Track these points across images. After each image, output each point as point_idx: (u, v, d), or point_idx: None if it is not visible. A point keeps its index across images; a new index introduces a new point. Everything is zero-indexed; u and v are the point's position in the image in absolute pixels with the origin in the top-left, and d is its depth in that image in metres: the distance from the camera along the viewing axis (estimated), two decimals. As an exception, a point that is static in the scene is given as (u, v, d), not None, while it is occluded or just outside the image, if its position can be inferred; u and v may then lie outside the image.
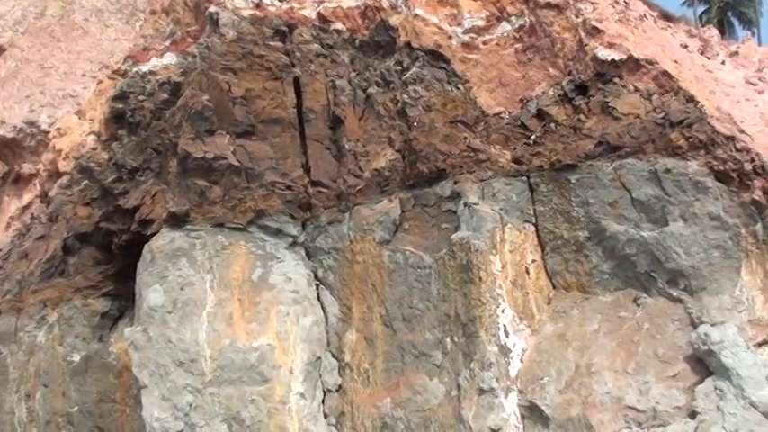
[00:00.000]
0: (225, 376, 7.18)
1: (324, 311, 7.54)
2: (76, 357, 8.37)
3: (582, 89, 6.68)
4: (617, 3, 7.24)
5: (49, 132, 11.23)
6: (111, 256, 8.48)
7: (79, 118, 9.66)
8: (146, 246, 7.71)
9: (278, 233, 7.65)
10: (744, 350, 5.72)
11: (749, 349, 5.73)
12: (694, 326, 6.05)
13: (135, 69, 8.52)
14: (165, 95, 8.10)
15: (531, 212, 6.86)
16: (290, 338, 7.32)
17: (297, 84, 7.84)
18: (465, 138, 6.98)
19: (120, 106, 8.37)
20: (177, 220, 7.63)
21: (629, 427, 5.92)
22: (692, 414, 5.78)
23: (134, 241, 8.00)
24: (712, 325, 5.89)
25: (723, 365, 5.71)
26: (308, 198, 7.64)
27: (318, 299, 7.58)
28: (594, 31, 6.85)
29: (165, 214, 7.69)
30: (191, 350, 7.24)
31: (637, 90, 6.47)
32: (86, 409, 8.29)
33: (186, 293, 7.42)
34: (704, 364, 5.90)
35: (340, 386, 7.35)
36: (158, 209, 7.82)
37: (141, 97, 8.26)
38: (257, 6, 8.14)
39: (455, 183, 6.97)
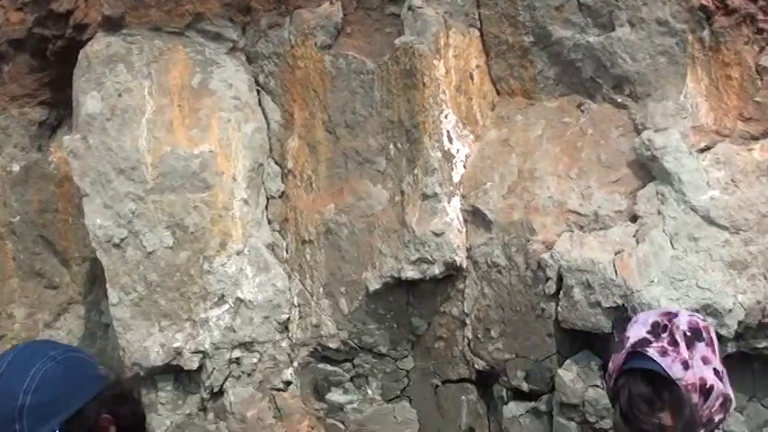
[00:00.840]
0: (167, 183, 7.02)
1: (265, 118, 7.28)
2: (16, 167, 8.10)
3: None
4: None
5: (-26, -67, 10.61)
6: (46, 64, 8.08)
7: None
8: (81, 51, 7.31)
9: (217, 38, 7.31)
10: (686, 156, 5.65)
11: (691, 155, 5.66)
12: (638, 132, 5.95)
13: None
14: None
15: (476, 16, 6.60)
16: (232, 145, 7.13)
17: None
18: (408, -64, 6.64)
19: None
20: (113, 25, 7.24)
21: (571, 231, 5.90)
22: (633, 218, 5.76)
23: (69, 47, 7.60)
24: (656, 131, 5.80)
25: (665, 170, 5.65)
26: (247, 1, 7.28)
27: (260, 105, 7.31)
28: None
29: (99, 18, 7.30)
30: (131, 158, 7.03)
31: None
32: (29, 219, 8.10)
33: (125, 100, 7.13)
34: (646, 169, 5.84)
35: (283, 193, 7.23)
36: (93, 13, 7.40)
37: None
38: None
39: (399, -15, 6.68)
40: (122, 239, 7.00)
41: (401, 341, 6.70)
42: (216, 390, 7.08)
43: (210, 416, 7.14)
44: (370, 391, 6.89)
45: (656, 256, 5.52)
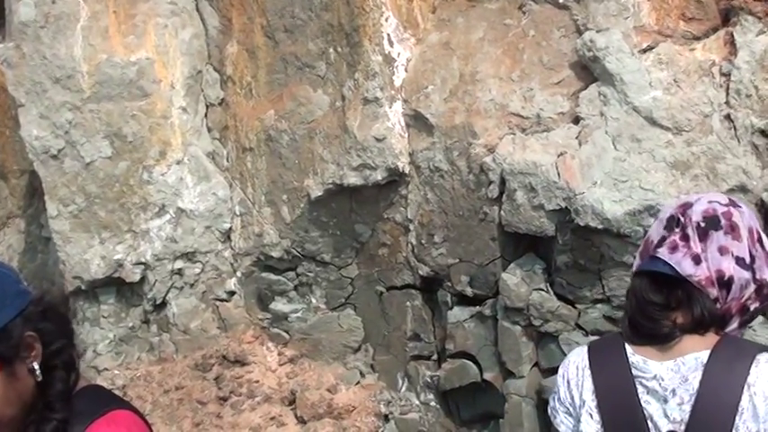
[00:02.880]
0: (104, 92, 6.79)
1: (203, 23, 7.04)
2: (-51, 78, 7.83)
3: None
4: None
5: None
6: (-23, -30, 7.79)
7: None
8: (12, -43, 7.05)
9: (152, -59, 7.03)
10: (628, 56, 5.51)
11: (633, 55, 5.51)
12: (580, 33, 5.78)
13: None
14: None
15: None
16: (170, 52, 6.89)
17: None
18: None
19: None
20: (44, -71, 6.94)
21: (513, 133, 5.77)
22: (576, 119, 5.64)
23: (1, -47, 7.33)
24: (598, 31, 5.63)
25: (607, 71, 5.52)
26: None
27: (197, 11, 7.07)
28: None
29: None
30: (67, 66, 6.78)
31: None
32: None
33: (58, 7, 6.83)
34: (588, 70, 5.69)
35: (223, 100, 7.02)
36: None
37: None
38: None
39: None
40: (60, 150, 6.79)
41: (345, 249, 6.59)
42: (158, 302, 6.96)
43: (154, 328, 7.03)
44: (314, 300, 6.79)
45: (599, 158, 5.43)
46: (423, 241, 6.21)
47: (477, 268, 6.00)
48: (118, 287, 7.01)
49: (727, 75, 5.32)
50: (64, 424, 2.30)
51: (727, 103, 5.29)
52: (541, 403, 5.82)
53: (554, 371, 5.75)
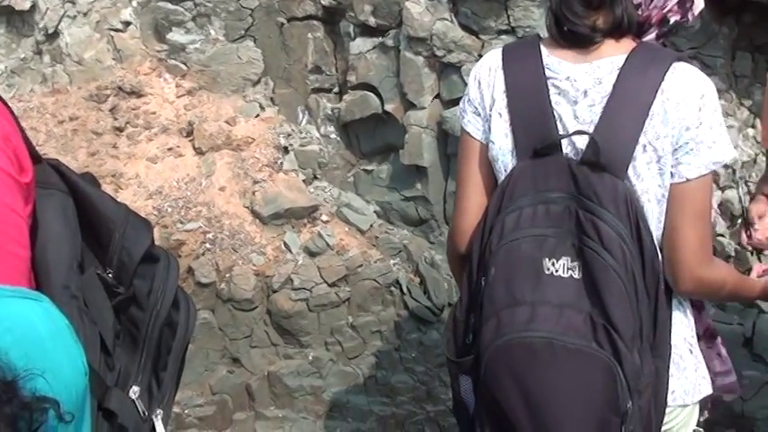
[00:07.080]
0: None
1: None
2: None
3: None
4: None
5: None
6: None
7: None
8: None
9: None
10: None
11: None
12: None
13: None
14: None
15: None
16: None
17: None
18: None
19: None
20: None
21: None
22: None
23: None
24: None
25: None
26: None
27: None
28: None
29: None
30: None
31: None
32: None
33: None
34: None
35: None
36: None
37: None
38: None
39: None
40: None
41: (245, -18, 6.10)
42: (51, 31, 6.40)
43: (46, 59, 6.51)
44: (212, 31, 6.32)
45: None
46: (325, -24, 5.77)
47: (381, -4, 5.62)
48: (8, 16, 6.42)
49: None
50: None
51: None
52: (441, 134, 5.62)
53: (455, 102, 5.51)
